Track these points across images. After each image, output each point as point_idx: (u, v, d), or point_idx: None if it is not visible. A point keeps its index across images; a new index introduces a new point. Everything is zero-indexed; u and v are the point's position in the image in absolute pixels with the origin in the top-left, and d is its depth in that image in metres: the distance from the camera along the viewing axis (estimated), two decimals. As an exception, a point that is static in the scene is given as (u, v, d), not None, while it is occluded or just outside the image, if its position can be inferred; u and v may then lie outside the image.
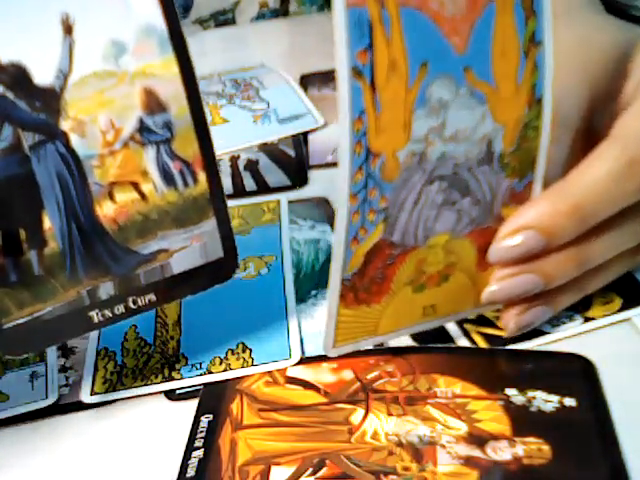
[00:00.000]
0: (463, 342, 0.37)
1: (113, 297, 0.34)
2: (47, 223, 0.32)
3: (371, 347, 0.37)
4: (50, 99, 0.31)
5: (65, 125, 0.32)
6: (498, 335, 0.37)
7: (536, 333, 0.36)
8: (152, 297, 0.34)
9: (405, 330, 0.36)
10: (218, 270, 0.36)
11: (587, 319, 0.37)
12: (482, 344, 0.37)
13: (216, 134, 0.58)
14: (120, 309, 0.34)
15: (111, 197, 0.33)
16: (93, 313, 0.33)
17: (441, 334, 0.37)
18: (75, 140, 0.32)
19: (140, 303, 0.34)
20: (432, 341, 0.37)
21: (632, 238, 0.35)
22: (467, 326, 0.37)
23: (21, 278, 0.32)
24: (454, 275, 0.34)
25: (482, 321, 0.38)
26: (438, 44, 0.28)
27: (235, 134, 0.58)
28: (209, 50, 0.74)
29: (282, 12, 0.80)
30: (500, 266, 0.34)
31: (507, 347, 0.36)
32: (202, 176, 0.34)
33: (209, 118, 0.59)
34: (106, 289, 0.34)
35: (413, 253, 0.32)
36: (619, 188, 0.32)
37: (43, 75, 0.31)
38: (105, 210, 0.33)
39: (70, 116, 0.32)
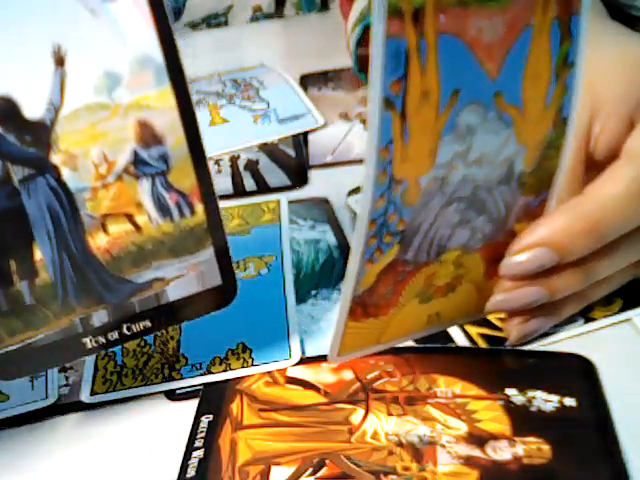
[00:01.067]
0: (464, 343, 0.37)
1: (107, 324, 0.34)
2: (38, 254, 0.32)
3: (371, 352, 0.37)
4: (40, 132, 0.31)
5: (56, 159, 0.31)
6: (499, 336, 0.37)
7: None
8: (147, 324, 0.34)
9: (408, 337, 0.36)
10: (216, 297, 0.35)
11: (588, 319, 0.37)
12: (483, 345, 0.37)
13: (216, 134, 0.59)
14: (114, 335, 0.34)
15: (104, 229, 0.33)
16: (86, 340, 0.34)
17: (441, 335, 0.37)
18: (66, 173, 0.32)
19: (135, 329, 0.34)
20: (432, 341, 0.37)
21: (638, 253, 0.35)
22: (468, 327, 0.37)
23: (12, 307, 0.32)
24: (461, 286, 0.34)
25: (483, 322, 0.38)
26: (472, 72, 0.28)
27: (235, 134, 0.58)
28: (203, 51, 0.74)
29: (276, 17, 0.80)
30: (508, 278, 0.34)
31: (507, 347, 0.36)
32: (199, 207, 0.34)
33: (210, 118, 0.60)
34: (99, 317, 0.33)
35: (424, 269, 0.32)
36: (635, 208, 0.32)
37: (33, 108, 0.30)
38: (98, 242, 0.33)
39: (61, 149, 0.31)
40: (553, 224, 0.33)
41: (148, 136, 0.32)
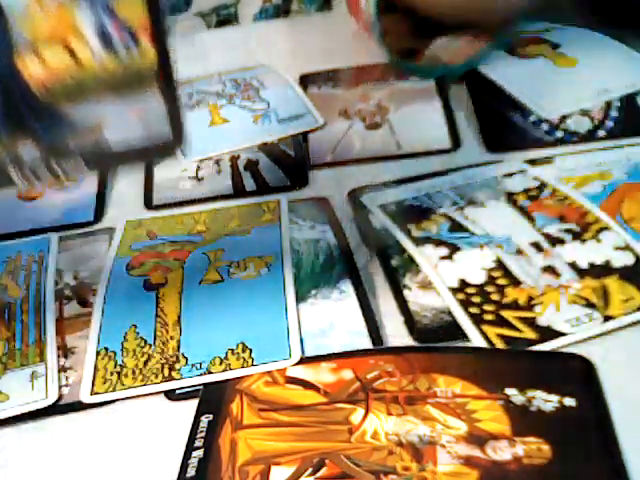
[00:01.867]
0: (480, 343, 0.37)
1: (36, 159, 0.32)
2: None
3: (371, 347, 0.37)
4: None
5: None
6: (517, 337, 0.37)
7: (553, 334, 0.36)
8: (80, 163, 0.32)
9: None
10: (161, 146, 0.33)
11: (607, 318, 0.37)
12: (500, 345, 0.36)
13: (216, 134, 0.59)
14: (43, 172, 0.32)
15: (38, 55, 0.30)
16: (12, 170, 0.32)
17: (457, 334, 0.37)
18: None
19: (66, 167, 0.32)
20: (446, 340, 0.37)
21: None
22: (485, 328, 0.37)
23: None
24: None
25: (500, 322, 0.38)
26: None
27: (235, 134, 0.58)
28: (209, 50, 0.74)
29: (284, 9, 0.79)
30: None
31: (507, 347, 0.36)
32: (148, 45, 0.31)
33: (210, 118, 0.60)
34: (28, 150, 0.31)
35: None
36: None
37: None
38: (32, 69, 0.30)
39: None
40: None
41: None
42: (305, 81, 0.65)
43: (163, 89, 0.32)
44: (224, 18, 0.79)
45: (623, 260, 0.40)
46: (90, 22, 0.31)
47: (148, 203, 0.52)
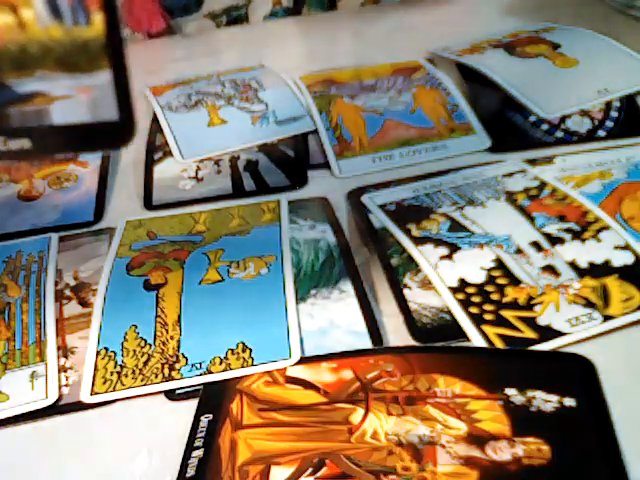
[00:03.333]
0: (480, 343, 0.37)
1: None
2: None
3: (371, 347, 0.37)
4: None
5: None
6: (517, 337, 0.37)
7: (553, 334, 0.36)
8: (26, 143, 0.31)
9: None
10: (110, 134, 0.31)
11: (607, 317, 0.37)
12: (500, 345, 0.36)
13: (214, 135, 0.59)
14: None
15: None
16: None
17: (457, 334, 0.37)
18: None
19: (11, 146, 0.30)
20: (445, 339, 0.37)
21: None
22: (485, 328, 0.37)
23: None
24: None
25: (500, 322, 0.38)
26: None
27: (233, 135, 0.58)
28: (204, 51, 0.74)
29: (295, 11, 0.79)
30: None
31: (507, 347, 0.36)
32: (98, 17, 0.29)
33: (208, 118, 0.60)
34: None
35: None
36: None
37: None
38: None
39: None
40: None
41: None
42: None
43: (112, 67, 0.30)
44: (235, 19, 0.79)
45: (623, 259, 0.40)
46: None
47: (148, 203, 0.52)
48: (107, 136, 0.31)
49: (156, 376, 0.37)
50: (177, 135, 0.58)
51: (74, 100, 0.31)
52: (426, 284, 0.41)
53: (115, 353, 0.39)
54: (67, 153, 0.32)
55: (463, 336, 0.37)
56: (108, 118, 0.31)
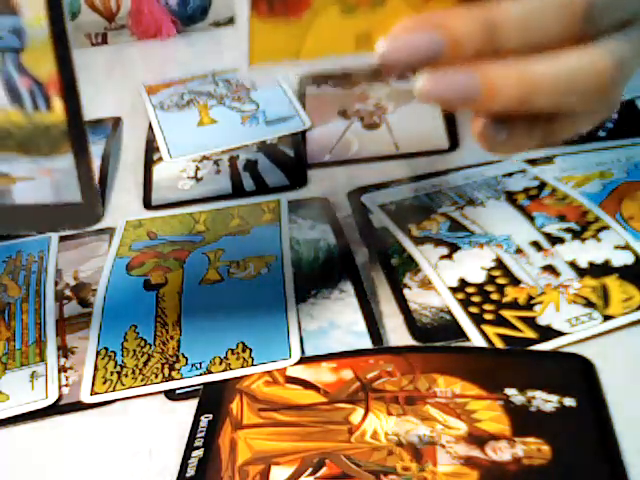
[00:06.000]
0: (480, 343, 0.37)
1: None
2: None
3: (371, 346, 0.37)
4: None
5: None
6: (516, 336, 0.37)
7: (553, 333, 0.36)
8: None
9: (335, 58, 0.31)
10: (75, 215, 0.32)
11: (607, 317, 0.37)
12: (499, 345, 0.36)
13: (203, 134, 0.59)
14: None
15: None
16: None
17: (457, 333, 0.37)
18: None
19: None
20: (445, 338, 0.37)
21: (547, 22, 0.29)
22: (485, 327, 0.37)
23: None
24: (391, 0, 0.30)
25: (500, 322, 0.38)
26: None
27: (221, 135, 0.58)
28: (203, 51, 0.74)
29: None
30: None
31: (507, 347, 0.36)
32: (58, 103, 0.30)
33: (198, 118, 0.60)
34: None
35: None
36: None
37: None
38: None
39: None
40: None
41: (1, 1, 0.28)
42: (304, 81, 0.65)
43: (74, 150, 0.31)
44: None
45: (623, 259, 0.40)
46: None
47: (147, 203, 0.52)
48: (71, 217, 0.32)
49: (156, 376, 0.37)
50: (167, 134, 0.58)
51: (36, 182, 0.31)
52: (426, 284, 0.41)
53: (115, 353, 0.39)
54: (29, 232, 0.32)
55: (463, 336, 0.37)
56: (71, 200, 0.31)
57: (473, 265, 0.41)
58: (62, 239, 0.48)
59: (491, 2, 0.29)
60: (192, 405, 0.36)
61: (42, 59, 0.29)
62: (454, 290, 0.40)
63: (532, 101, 0.30)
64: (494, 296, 0.39)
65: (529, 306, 0.38)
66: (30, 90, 0.30)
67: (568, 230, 0.43)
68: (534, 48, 0.30)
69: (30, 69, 0.30)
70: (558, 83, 0.30)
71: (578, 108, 0.32)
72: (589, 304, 0.38)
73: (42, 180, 0.31)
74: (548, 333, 0.36)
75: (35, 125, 0.30)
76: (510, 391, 0.34)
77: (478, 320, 0.38)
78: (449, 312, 0.39)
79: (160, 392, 0.37)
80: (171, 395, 0.37)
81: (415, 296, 0.40)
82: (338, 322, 0.40)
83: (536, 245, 0.42)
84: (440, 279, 0.41)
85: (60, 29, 0.29)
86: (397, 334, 0.39)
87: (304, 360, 0.37)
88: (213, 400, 0.36)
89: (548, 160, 0.50)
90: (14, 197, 0.31)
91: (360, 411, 0.34)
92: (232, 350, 0.38)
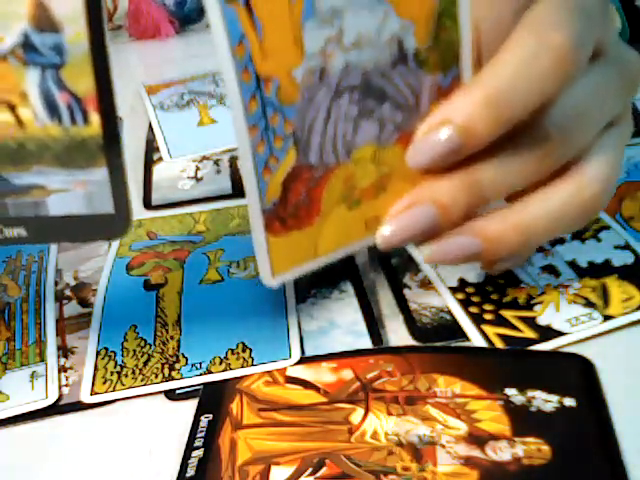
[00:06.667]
0: (480, 343, 0.37)
1: None
2: None
3: (371, 346, 0.37)
4: None
5: None
6: (517, 336, 0.37)
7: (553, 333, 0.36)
8: (22, 232, 0.32)
9: (351, 247, 0.33)
10: (105, 226, 0.32)
11: (607, 317, 0.37)
12: (499, 345, 0.36)
13: (203, 134, 0.59)
14: None
15: None
16: None
17: (457, 333, 0.37)
18: None
19: (7, 234, 0.32)
20: (444, 338, 0.37)
21: (526, 167, 0.32)
22: (485, 327, 0.37)
23: None
24: (391, 184, 0.32)
25: (500, 322, 0.38)
26: None
27: (221, 135, 0.58)
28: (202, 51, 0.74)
29: None
30: (417, 168, 0.32)
31: (508, 347, 0.36)
32: (95, 117, 0.30)
33: (198, 118, 0.60)
34: None
35: (337, 171, 0.31)
36: (534, 69, 0.30)
37: None
38: None
39: None
40: (454, 100, 0.31)
41: (44, 19, 0.29)
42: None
43: (109, 163, 0.31)
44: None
45: (623, 259, 0.40)
46: (36, 88, 0.30)
47: (147, 203, 0.52)
48: (103, 228, 0.32)
49: (156, 376, 0.37)
50: (167, 134, 0.58)
51: (71, 194, 0.31)
52: (426, 284, 0.41)
53: (115, 353, 0.39)
54: (62, 242, 0.33)
55: (463, 336, 0.37)
56: (104, 211, 0.32)
57: (473, 265, 0.41)
58: (62, 239, 0.48)
59: (471, 164, 0.32)
60: (192, 405, 0.36)
61: (81, 75, 0.30)
62: (454, 290, 0.40)
63: (530, 243, 0.34)
64: (494, 296, 0.39)
65: (529, 306, 0.38)
66: (68, 105, 0.30)
67: (568, 230, 0.43)
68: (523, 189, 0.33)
69: (69, 84, 0.30)
70: (552, 221, 0.33)
71: (569, 231, 0.36)
72: (589, 304, 0.38)
73: (76, 192, 0.32)
74: (548, 333, 0.36)
75: (72, 139, 0.31)
76: (510, 391, 0.34)
77: (478, 320, 0.38)
78: (449, 312, 0.39)
79: (160, 392, 0.37)
80: (171, 395, 0.37)
81: (415, 296, 0.40)
82: (338, 322, 0.40)
83: (536, 245, 0.42)
84: (440, 279, 0.41)
85: (99, 45, 0.29)
86: (397, 334, 0.39)
87: (304, 360, 0.37)
88: (213, 400, 0.36)
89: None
90: (49, 208, 0.32)
91: (360, 411, 0.34)
92: (232, 350, 0.38)
